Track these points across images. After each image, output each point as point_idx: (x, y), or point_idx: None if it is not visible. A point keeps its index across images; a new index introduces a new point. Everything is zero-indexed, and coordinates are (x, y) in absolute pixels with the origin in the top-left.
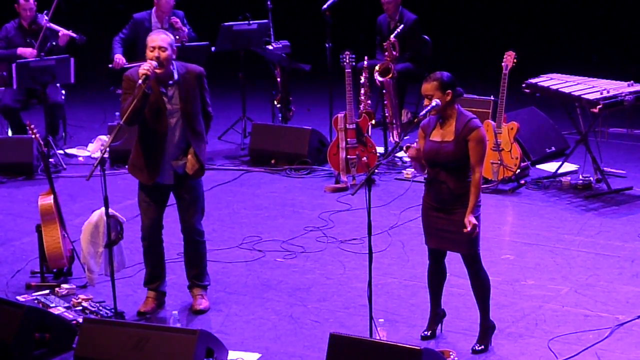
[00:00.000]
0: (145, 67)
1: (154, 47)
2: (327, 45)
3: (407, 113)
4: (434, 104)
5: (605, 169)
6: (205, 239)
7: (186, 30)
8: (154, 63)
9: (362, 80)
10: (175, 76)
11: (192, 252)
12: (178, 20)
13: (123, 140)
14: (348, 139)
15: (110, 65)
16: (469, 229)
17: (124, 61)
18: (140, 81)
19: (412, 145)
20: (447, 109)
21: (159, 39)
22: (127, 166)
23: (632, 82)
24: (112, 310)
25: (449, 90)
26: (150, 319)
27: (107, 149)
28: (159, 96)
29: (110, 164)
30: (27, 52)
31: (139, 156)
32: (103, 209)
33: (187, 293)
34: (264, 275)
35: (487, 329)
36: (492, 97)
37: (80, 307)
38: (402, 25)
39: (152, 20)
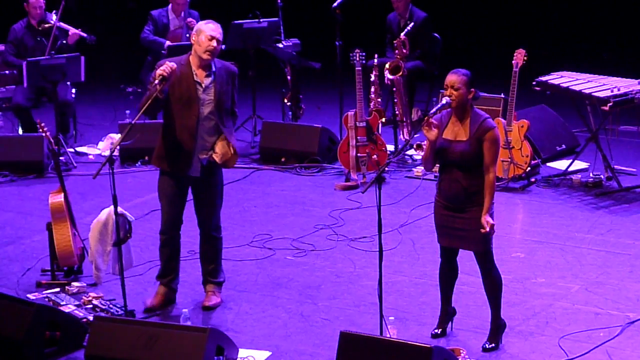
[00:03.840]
0: (164, 69)
1: (213, 37)
2: (337, 43)
3: (417, 111)
4: (444, 101)
5: (615, 166)
6: (222, 235)
7: None
8: (174, 65)
9: (372, 78)
10: (213, 68)
11: (208, 248)
12: (194, 20)
13: (134, 139)
14: (358, 137)
15: (164, 52)
16: (487, 229)
17: None
18: (156, 81)
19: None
20: (466, 106)
21: (219, 31)
22: (151, 159)
23: None
24: (123, 308)
25: (473, 89)
26: (160, 316)
27: (117, 148)
28: (191, 85)
29: (121, 162)
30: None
31: (168, 147)
32: (112, 207)
33: (197, 291)
34: (274, 273)
35: (498, 327)
36: (502, 95)
37: (91, 305)
38: (412, 23)
39: (169, 16)
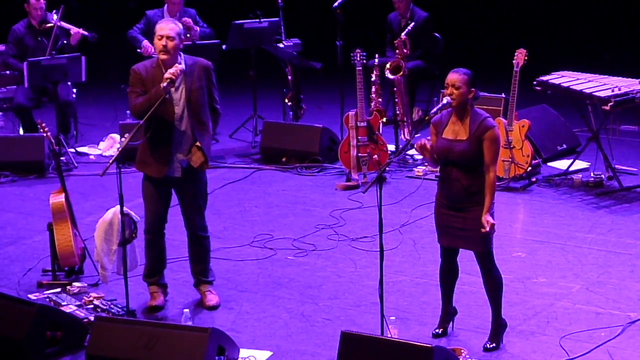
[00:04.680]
0: (172, 72)
1: (162, 36)
2: (337, 43)
3: (418, 111)
4: (445, 101)
5: (616, 166)
6: (209, 234)
7: (198, 29)
8: (183, 67)
9: (373, 78)
10: (183, 66)
11: (196, 248)
12: (190, 20)
13: (142, 140)
14: (359, 137)
15: (139, 50)
16: (487, 228)
17: (153, 49)
18: (164, 84)
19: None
20: (466, 106)
21: (168, 27)
22: (134, 164)
23: None
24: (124, 309)
25: (473, 89)
26: (161, 318)
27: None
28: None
29: (122, 161)
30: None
31: (146, 150)
32: (118, 206)
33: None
34: (275, 273)
35: (499, 327)
36: (503, 95)
37: (92, 306)
38: (413, 23)
39: (164, 16)
